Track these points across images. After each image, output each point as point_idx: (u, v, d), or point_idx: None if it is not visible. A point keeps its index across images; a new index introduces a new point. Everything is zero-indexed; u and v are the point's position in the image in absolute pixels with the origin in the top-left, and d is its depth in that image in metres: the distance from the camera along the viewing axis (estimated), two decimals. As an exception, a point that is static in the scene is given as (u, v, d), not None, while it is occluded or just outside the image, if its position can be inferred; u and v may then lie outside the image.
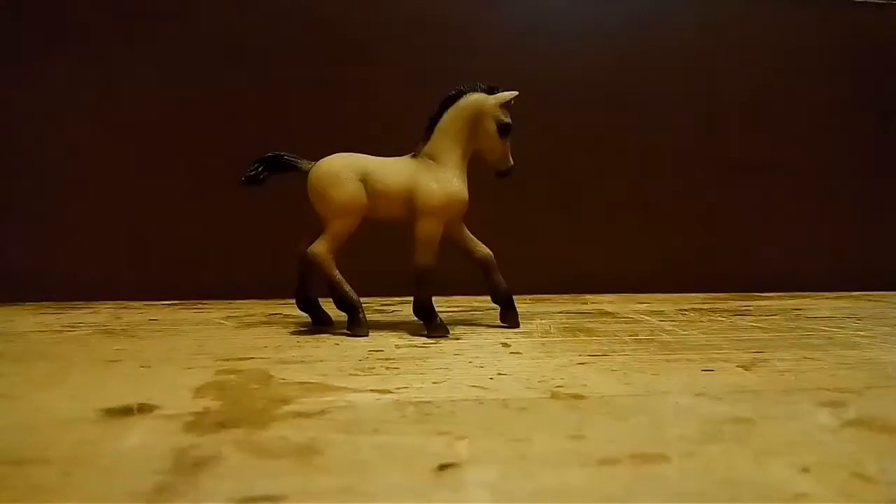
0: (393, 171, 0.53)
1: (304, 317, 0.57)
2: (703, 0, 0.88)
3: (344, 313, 0.53)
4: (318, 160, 0.53)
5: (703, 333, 0.54)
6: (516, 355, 0.44)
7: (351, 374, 0.38)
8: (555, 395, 0.34)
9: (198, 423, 0.29)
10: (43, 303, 0.75)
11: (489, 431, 0.28)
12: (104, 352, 0.46)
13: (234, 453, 0.25)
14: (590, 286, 0.86)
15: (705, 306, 0.73)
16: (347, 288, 0.52)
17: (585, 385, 0.36)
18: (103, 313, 0.67)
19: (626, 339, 0.51)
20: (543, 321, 0.60)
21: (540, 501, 0.21)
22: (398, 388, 0.35)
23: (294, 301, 0.56)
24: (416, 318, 0.54)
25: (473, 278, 0.58)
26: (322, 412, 0.30)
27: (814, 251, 0.92)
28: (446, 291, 0.77)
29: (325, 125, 0.80)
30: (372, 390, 0.35)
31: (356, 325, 0.52)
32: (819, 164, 0.92)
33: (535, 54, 0.84)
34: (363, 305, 0.53)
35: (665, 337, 0.52)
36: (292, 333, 0.53)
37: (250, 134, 0.78)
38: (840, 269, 0.91)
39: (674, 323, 0.60)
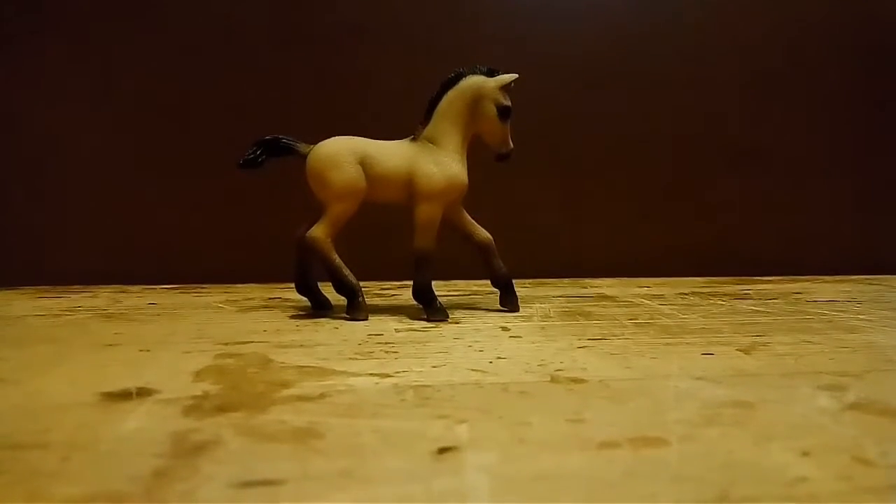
0: (392, 154, 0.52)
1: (304, 301, 0.57)
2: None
3: (343, 297, 0.53)
4: (316, 143, 0.53)
5: (703, 317, 0.54)
6: (516, 339, 0.44)
7: (350, 358, 0.38)
8: (554, 379, 0.34)
9: (197, 407, 0.29)
10: (42, 287, 0.75)
11: (489, 415, 0.28)
12: (103, 336, 0.46)
13: (234, 437, 0.25)
14: (589, 270, 0.86)
15: (705, 290, 0.73)
16: (346, 272, 0.52)
17: (585, 369, 0.36)
18: (102, 297, 0.67)
19: (626, 322, 0.51)
20: (543, 305, 0.60)
21: (539, 485, 0.21)
22: (397, 372, 0.35)
23: (293, 285, 0.56)
24: (415, 302, 0.54)
25: (473, 262, 0.58)
26: (321, 396, 0.30)
27: (814, 235, 0.91)
28: (446, 275, 0.76)
29: (323, 108, 0.79)
30: (371, 374, 0.35)
31: (355, 310, 0.52)
32: (820, 149, 0.91)
33: (536, 38, 0.84)
34: (362, 289, 0.53)
35: (665, 321, 0.52)
36: (291, 317, 0.53)
37: (248, 117, 0.78)
38: (840, 253, 0.91)
39: (674, 307, 0.59)
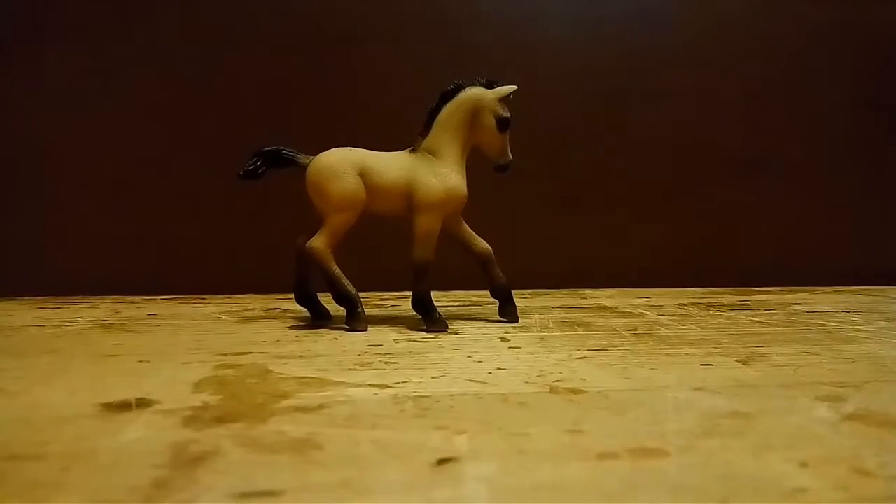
0: (391, 165, 0.52)
1: (303, 311, 0.57)
2: (702, -6, 0.88)
3: (342, 308, 0.53)
4: (316, 154, 0.53)
5: (702, 328, 0.54)
6: (515, 350, 0.44)
7: (349, 369, 0.38)
8: (553, 390, 0.34)
9: (196, 418, 0.29)
10: (41, 297, 0.75)
11: (488, 426, 0.28)
12: (103, 346, 0.46)
13: (233, 448, 0.25)
14: (589, 281, 0.86)
15: (704, 301, 0.73)
16: (346, 282, 0.52)
17: (584, 379, 0.36)
18: (102, 308, 0.67)
19: (625, 333, 0.51)
20: (542, 316, 0.60)
21: (539, 496, 0.21)
22: (397, 383, 0.35)
23: (293, 296, 0.56)
24: (414, 313, 0.54)
25: (472, 273, 0.58)
26: (321, 407, 0.30)
27: (813, 246, 0.91)
28: (445, 286, 0.76)
29: (323, 120, 0.80)
30: (370, 385, 0.35)
31: (355, 320, 0.52)
32: (818, 159, 0.92)
33: (535, 48, 0.84)
34: (362, 300, 0.53)
35: (664, 331, 0.52)
36: (291, 328, 0.53)
37: (248, 128, 0.78)
38: (839, 264, 0.91)
39: (672, 317, 0.60)
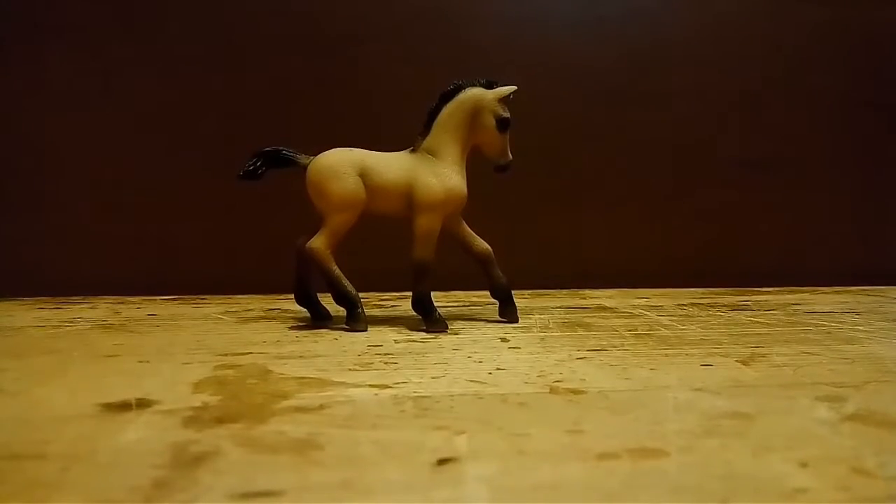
0: (392, 165, 0.52)
1: (303, 312, 0.57)
2: (702, -6, 0.88)
3: (342, 308, 0.53)
4: (316, 155, 0.53)
5: (702, 328, 0.54)
6: (515, 350, 0.44)
7: (349, 369, 0.38)
8: (553, 390, 0.34)
9: (196, 418, 0.29)
10: (41, 298, 0.75)
11: (488, 426, 0.28)
12: (103, 347, 0.46)
13: (233, 448, 0.25)
14: (589, 281, 0.86)
15: (704, 301, 0.73)
16: (346, 283, 0.52)
17: (584, 380, 0.36)
18: (102, 308, 0.67)
19: (625, 333, 0.51)
20: (542, 316, 0.60)
21: (538, 496, 0.21)
22: (397, 383, 0.35)
23: (293, 296, 0.56)
24: (414, 313, 0.54)
25: (472, 273, 0.58)
26: (321, 407, 0.30)
27: (813, 246, 0.91)
28: (445, 286, 0.76)
29: (323, 120, 0.80)
30: (370, 385, 0.35)
31: (355, 321, 0.52)
32: (818, 159, 0.92)
33: (535, 48, 0.84)
34: (362, 300, 0.53)
35: (664, 332, 0.52)
36: (291, 328, 0.53)
37: (248, 128, 0.78)
38: (839, 264, 0.91)
39: (672, 318, 0.60)
